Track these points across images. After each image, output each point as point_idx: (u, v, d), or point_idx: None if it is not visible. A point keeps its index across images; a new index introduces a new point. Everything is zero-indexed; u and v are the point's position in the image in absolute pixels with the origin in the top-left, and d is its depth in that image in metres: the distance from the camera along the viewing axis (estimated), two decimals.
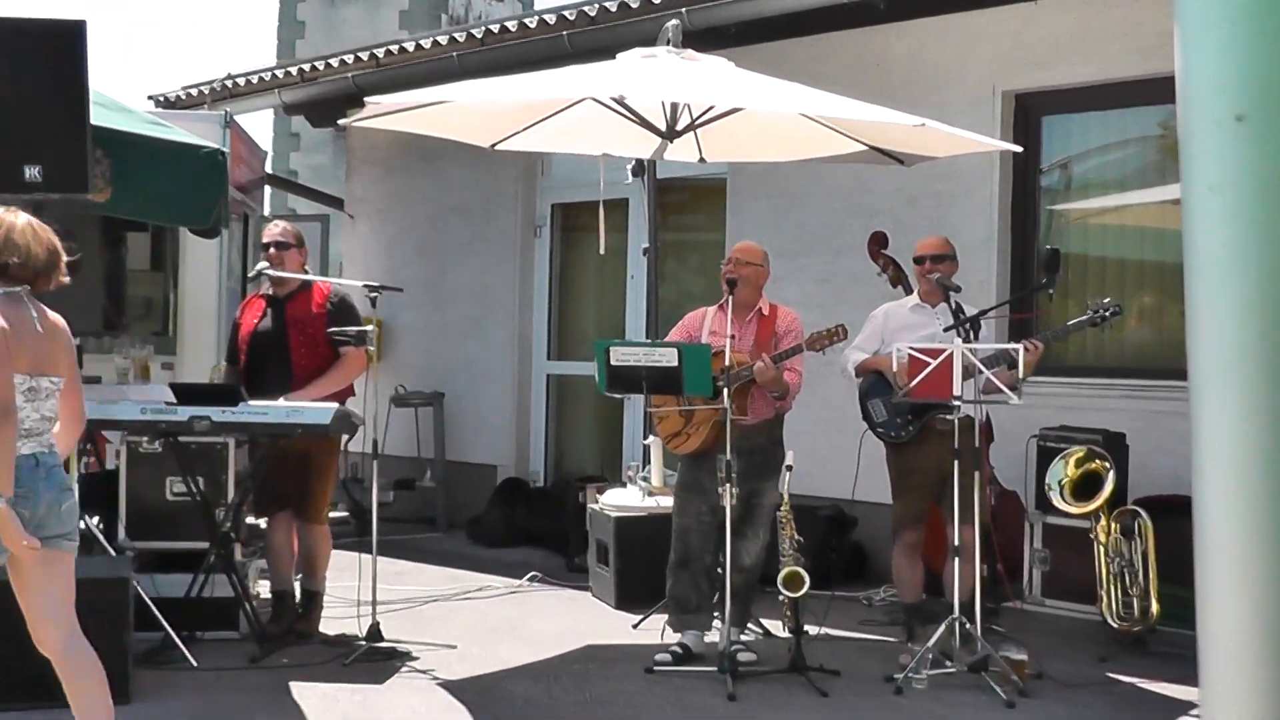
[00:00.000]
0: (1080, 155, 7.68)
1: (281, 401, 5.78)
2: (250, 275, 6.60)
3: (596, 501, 7.44)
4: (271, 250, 6.14)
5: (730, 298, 5.76)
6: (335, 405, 5.73)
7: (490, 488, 9.61)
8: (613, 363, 5.51)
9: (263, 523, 6.51)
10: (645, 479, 7.31)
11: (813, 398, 7.90)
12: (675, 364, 5.43)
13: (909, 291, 6.73)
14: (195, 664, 5.46)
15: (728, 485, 5.37)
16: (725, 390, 5.43)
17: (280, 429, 5.64)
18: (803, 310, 7.08)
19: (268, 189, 11.84)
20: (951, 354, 5.39)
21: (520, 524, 9.15)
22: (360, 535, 8.57)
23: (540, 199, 10.10)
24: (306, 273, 6.28)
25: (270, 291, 6.24)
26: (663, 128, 6.57)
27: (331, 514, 6.37)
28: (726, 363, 5.46)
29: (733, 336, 5.60)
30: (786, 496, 5.80)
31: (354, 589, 6.10)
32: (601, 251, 7.35)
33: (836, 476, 7.61)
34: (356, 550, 6.44)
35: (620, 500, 7.24)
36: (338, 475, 6.44)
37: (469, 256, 10.28)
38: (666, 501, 6.50)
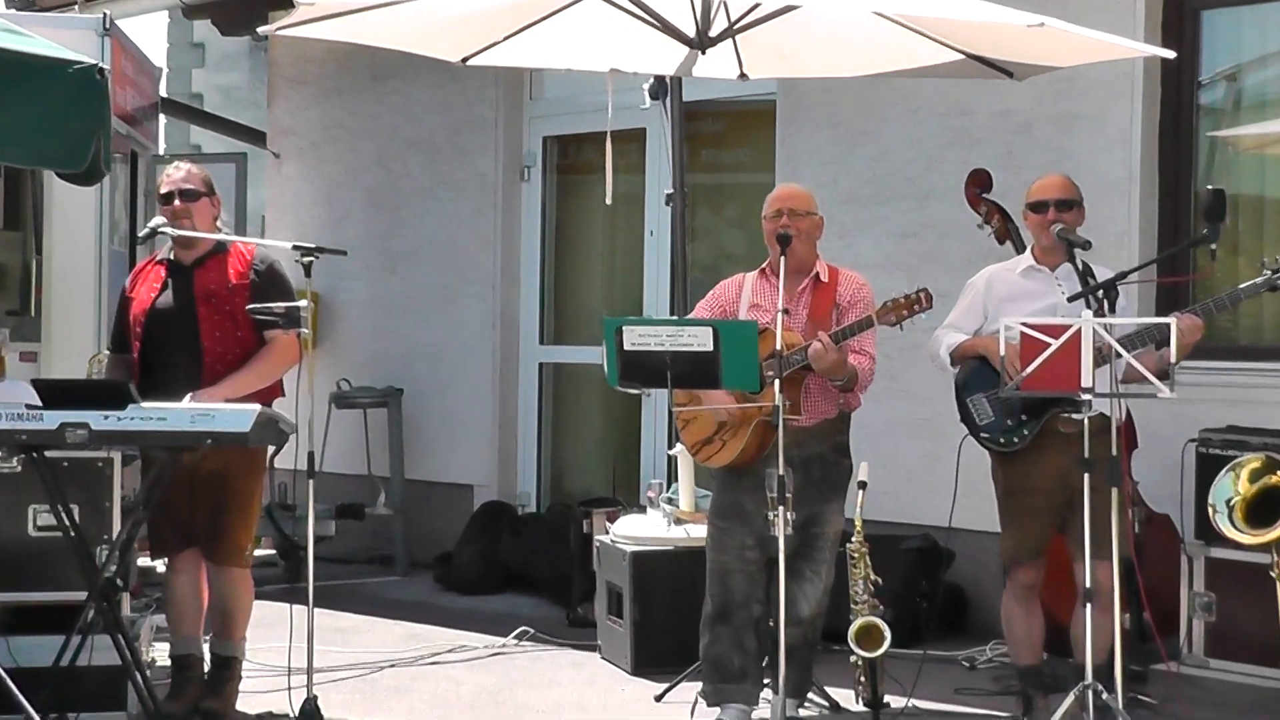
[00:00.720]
0: (1254, 62, 7.63)
1: (187, 403, 5.78)
2: (142, 234, 6.58)
3: (607, 532, 7.43)
4: (175, 202, 6.13)
5: (783, 260, 5.73)
6: (258, 407, 5.72)
7: (465, 515, 9.61)
8: (627, 347, 5.49)
9: (161, 565, 6.51)
10: (671, 501, 7.30)
11: (892, 390, 7.87)
12: (710, 347, 5.41)
13: (1020, 249, 6.70)
14: None
15: (780, 509, 5.35)
16: (775, 381, 5.40)
17: (184, 439, 5.62)
18: (879, 275, 7.04)
19: (163, 119, 11.83)
20: (1079, 331, 5.36)
21: (505, 563, 9.15)
22: (292, 580, 8.57)
23: (528, 130, 10.08)
24: (220, 230, 6.28)
25: (172, 256, 6.24)
26: (692, 34, 6.54)
27: (254, 552, 6.36)
28: (777, 345, 5.44)
29: (786, 311, 5.57)
30: (859, 523, 5.78)
31: (283, 652, 6.10)
32: (609, 200, 7.32)
33: (926, 496, 7.58)
34: (287, 600, 6.43)
35: (638, 530, 7.23)
36: (261, 501, 6.43)
37: (434, 207, 10.28)
38: (700, 531, 6.49)
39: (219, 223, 6.30)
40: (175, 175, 6.21)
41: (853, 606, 5.74)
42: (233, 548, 6.12)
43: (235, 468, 6.02)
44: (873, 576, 5.77)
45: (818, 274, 5.89)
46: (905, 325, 5.66)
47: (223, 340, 6.07)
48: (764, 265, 5.95)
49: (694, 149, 9.09)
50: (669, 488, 7.48)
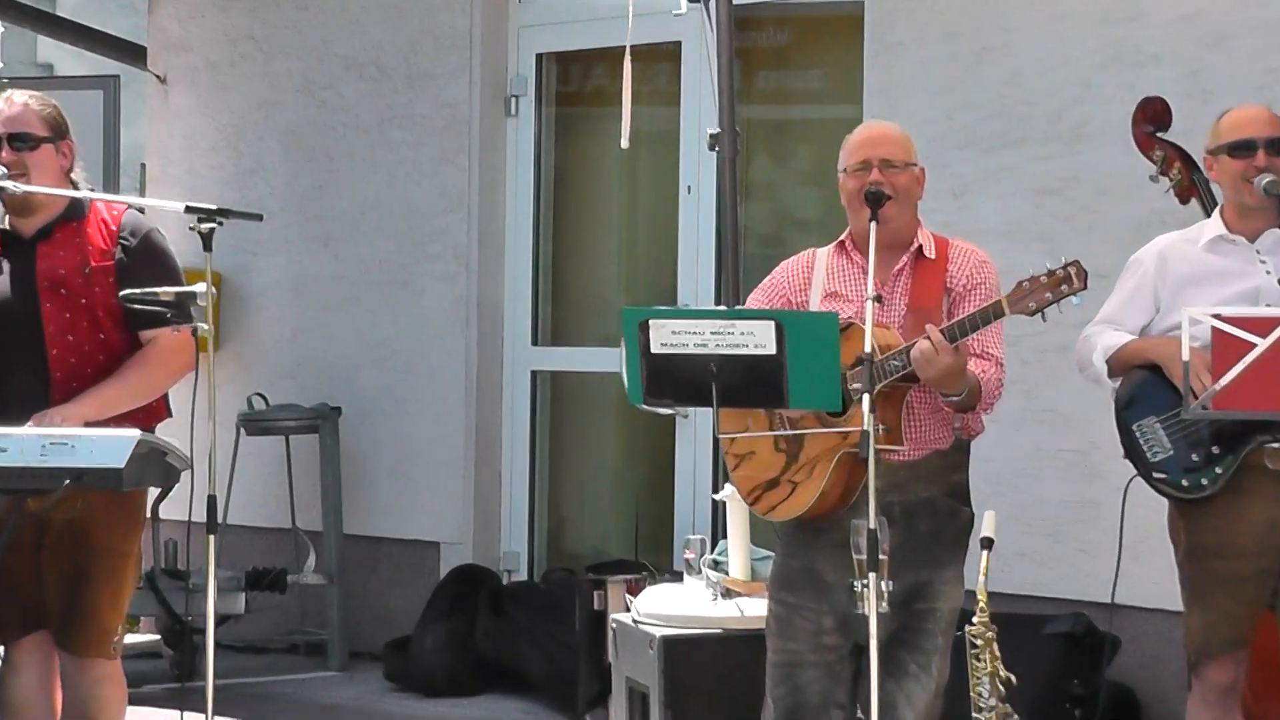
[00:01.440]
0: None
1: (31, 427, 5.78)
2: None
3: (627, 609, 7.43)
4: (3, 151, 6.10)
5: (873, 227, 5.71)
6: (137, 434, 5.72)
7: (428, 585, 9.63)
8: (655, 348, 5.48)
9: None
10: (718, 566, 7.28)
11: (1029, 412, 7.84)
12: (773, 349, 5.39)
13: (1209, 210, 6.67)
14: None
15: (871, 575, 5.33)
16: (864, 398, 5.38)
17: (32, 479, 5.61)
18: (1009, 248, 7.01)
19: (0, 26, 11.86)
20: None
21: (484, 653, 9.16)
22: (183, 678, 8.55)
23: (516, 46, 10.10)
24: (76, 187, 6.26)
25: (5, 224, 6.20)
26: None
27: (128, 638, 6.37)
28: (867, 346, 5.42)
29: (879, 298, 5.55)
30: (983, 598, 5.75)
31: None
32: (625, 143, 7.30)
33: (1079, 560, 7.55)
34: (175, 706, 6.43)
35: (671, 606, 7.21)
36: (140, 566, 6.43)
37: (383, 153, 10.28)
38: (758, 607, 6.48)
39: (74, 177, 6.26)
40: (6, 111, 6.16)
41: (975, 714, 5.71)
42: (97, 631, 6.08)
43: (102, 519, 5.98)
44: (1004, 673, 5.74)
45: (920, 247, 5.85)
46: (1049, 314, 5.61)
47: (78, 345, 6.04)
48: (843, 237, 5.91)
49: (748, 71, 9.08)
50: (714, 546, 7.46)
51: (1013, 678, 5.78)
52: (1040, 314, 5.56)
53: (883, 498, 5.38)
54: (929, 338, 5.50)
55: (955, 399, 5.65)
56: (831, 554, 5.68)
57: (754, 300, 6.05)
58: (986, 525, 5.81)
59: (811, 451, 5.74)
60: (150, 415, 6.10)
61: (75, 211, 6.17)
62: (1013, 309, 5.54)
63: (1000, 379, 5.77)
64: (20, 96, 6.22)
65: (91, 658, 6.11)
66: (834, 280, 5.87)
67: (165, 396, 6.20)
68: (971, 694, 5.77)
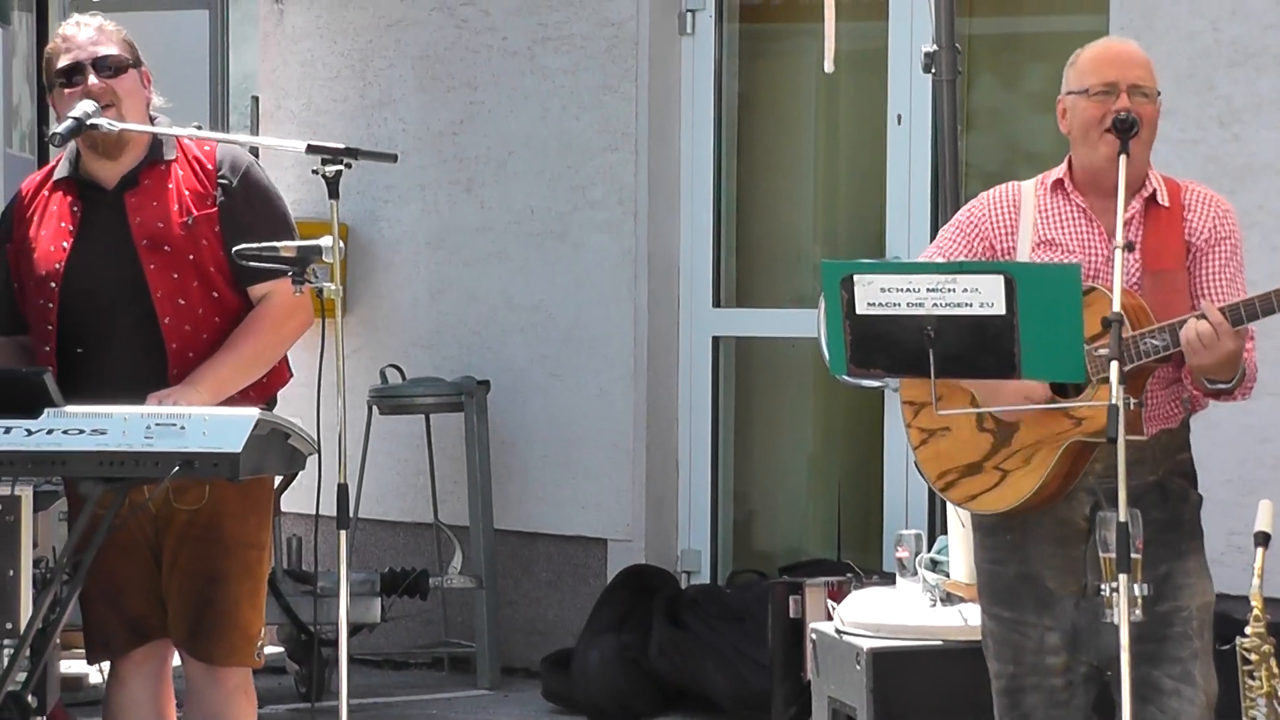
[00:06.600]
0: None
1: (147, 407, 5.82)
2: (60, 130, 6.62)
3: (829, 617, 7.44)
4: (90, 78, 6.09)
5: (1124, 161, 5.67)
6: (254, 412, 5.76)
7: (593, 590, 9.71)
8: (861, 309, 5.48)
9: (97, 673, 6.57)
10: (937, 565, 7.28)
11: None
12: (1002, 309, 5.38)
13: None
14: None
15: (1121, 578, 5.30)
16: (1112, 366, 5.35)
17: (133, 466, 5.67)
18: None
19: None
20: None
21: (659, 670, 9.20)
22: (311, 697, 8.65)
23: None
24: (154, 122, 6.24)
25: (80, 171, 6.24)
26: None
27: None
28: (1114, 306, 5.39)
29: (1130, 246, 5.52)
30: (1258, 604, 5.71)
31: None
32: (829, 65, 7.30)
33: None
34: None
35: (882, 613, 7.23)
36: (270, 563, 6.49)
37: (535, 82, 10.33)
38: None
39: (151, 111, 6.29)
40: (78, 36, 6.15)
41: None
42: (240, 637, 6.15)
43: (234, 509, 6.06)
44: None
45: (1154, 192, 5.81)
46: None
47: (190, 309, 6.09)
48: (1058, 174, 5.85)
49: None
50: (931, 543, 7.46)
51: None
52: None
53: (1103, 484, 5.38)
54: (1206, 318, 5.43)
55: (1224, 387, 5.58)
56: (1051, 556, 5.67)
57: (943, 243, 5.96)
58: (1261, 517, 5.76)
59: (1031, 436, 5.70)
60: (271, 380, 6.18)
61: (160, 151, 6.19)
62: None
63: (1255, 369, 5.69)
64: (91, 19, 6.21)
65: (219, 664, 6.17)
66: (1048, 225, 5.80)
67: (285, 363, 6.26)
68: (1245, 717, 5.74)
